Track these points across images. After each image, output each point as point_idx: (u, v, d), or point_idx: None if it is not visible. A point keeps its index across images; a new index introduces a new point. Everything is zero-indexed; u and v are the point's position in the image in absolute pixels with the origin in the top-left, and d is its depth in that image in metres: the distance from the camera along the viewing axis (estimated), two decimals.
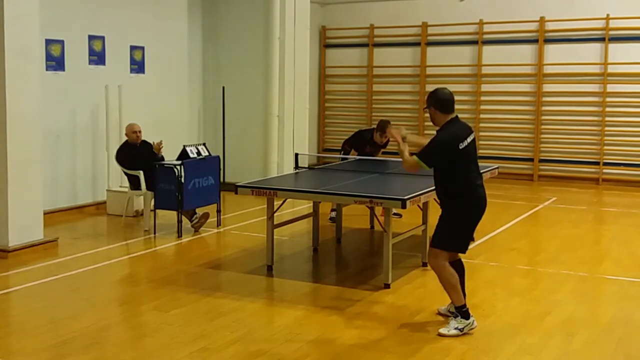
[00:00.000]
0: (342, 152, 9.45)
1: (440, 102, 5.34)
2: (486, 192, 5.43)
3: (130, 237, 8.56)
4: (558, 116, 13.28)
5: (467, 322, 5.27)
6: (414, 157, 5.32)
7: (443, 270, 5.32)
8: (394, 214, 9.04)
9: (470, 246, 7.93)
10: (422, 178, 7.40)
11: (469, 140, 5.27)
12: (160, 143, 8.83)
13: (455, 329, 5.24)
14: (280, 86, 11.66)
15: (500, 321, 5.60)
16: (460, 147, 5.21)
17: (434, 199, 6.13)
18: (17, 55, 7.41)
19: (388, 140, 9.14)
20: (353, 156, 9.05)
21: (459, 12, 13.82)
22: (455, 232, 5.36)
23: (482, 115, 13.79)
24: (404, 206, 6.12)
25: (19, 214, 7.54)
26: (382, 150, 9.35)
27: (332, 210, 9.02)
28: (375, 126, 9.19)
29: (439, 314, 5.63)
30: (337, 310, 5.79)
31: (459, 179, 5.29)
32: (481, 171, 7.96)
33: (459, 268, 5.48)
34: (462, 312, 5.28)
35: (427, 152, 5.32)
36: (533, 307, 5.98)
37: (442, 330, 5.26)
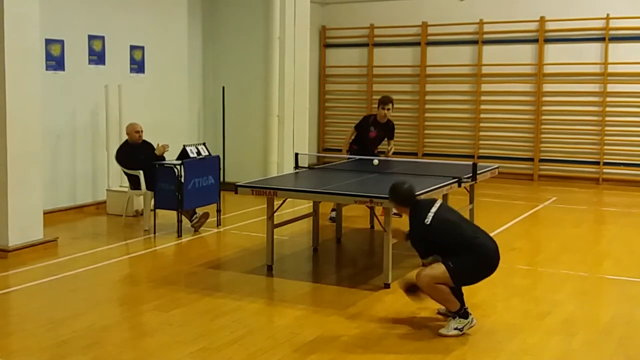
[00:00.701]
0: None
1: (402, 199, 5.54)
2: (496, 244, 5.34)
3: (130, 237, 8.56)
4: (558, 116, 13.28)
5: (466, 321, 5.28)
6: (426, 260, 5.38)
7: (432, 289, 5.27)
8: (394, 213, 9.06)
9: None
10: (422, 178, 7.41)
11: (433, 211, 5.30)
12: (167, 146, 8.83)
13: (455, 329, 5.25)
14: (280, 86, 11.66)
15: (500, 321, 5.60)
16: (427, 223, 5.26)
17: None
18: (17, 55, 7.41)
19: (389, 123, 9.17)
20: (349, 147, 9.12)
21: (459, 12, 13.82)
22: (457, 270, 5.24)
23: (482, 115, 13.79)
24: None
25: (19, 214, 7.54)
26: (387, 137, 9.30)
27: (333, 210, 9.03)
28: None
29: (439, 313, 5.63)
30: (337, 310, 5.78)
31: (452, 245, 5.23)
32: (480, 171, 7.97)
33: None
34: (460, 313, 5.30)
35: (419, 249, 5.40)
36: (533, 307, 5.98)
37: (442, 331, 5.27)
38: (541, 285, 6.78)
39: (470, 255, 5.23)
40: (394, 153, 9.46)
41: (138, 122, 9.20)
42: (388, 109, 9.08)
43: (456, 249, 5.23)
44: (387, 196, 5.68)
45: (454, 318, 5.30)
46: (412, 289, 5.41)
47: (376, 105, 9.29)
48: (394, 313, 5.79)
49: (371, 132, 9.15)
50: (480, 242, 5.28)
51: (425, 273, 5.24)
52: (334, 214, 8.87)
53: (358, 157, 9.02)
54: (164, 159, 8.82)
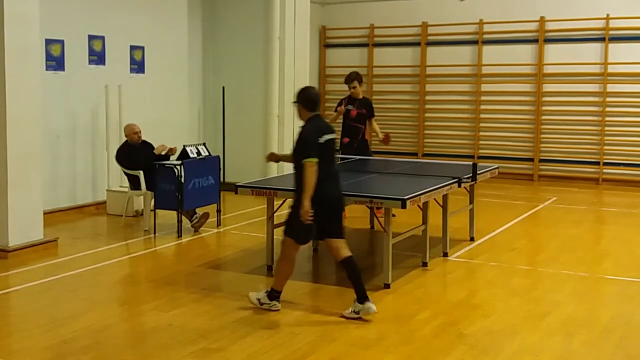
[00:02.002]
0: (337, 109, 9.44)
1: (307, 100, 5.68)
2: (342, 194, 5.75)
3: (130, 237, 8.56)
4: (558, 116, 13.28)
5: (270, 302, 5.72)
6: (303, 162, 5.45)
7: (284, 259, 5.71)
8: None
9: (471, 246, 8.00)
10: (422, 178, 7.41)
11: (326, 137, 5.59)
12: (172, 150, 8.84)
13: (258, 299, 5.74)
14: (280, 86, 11.66)
15: (500, 321, 5.60)
16: (319, 141, 5.52)
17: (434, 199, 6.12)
18: (17, 55, 7.41)
19: (365, 98, 9.39)
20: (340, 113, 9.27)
21: (459, 12, 13.82)
22: (296, 221, 5.54)
23: (482, 115, 13.78)
24: (404, 206, 6.11)
25: (19, 214, 7.54)
26: (368, 115, 9.33)
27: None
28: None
29: (343, 316, 5.60)
30: (337, 310, 5.78)
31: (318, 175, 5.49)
32: (480, 172, 7.98)
33: (352, 266, 5.66)
34: (273, 293, 5.72)
35: (305, 149, 5.50)
36: (533, 307, 5.98)
37: (250, 295, 5.78)
38: (541, 285, 6.78)
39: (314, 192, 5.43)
40: (395, 153, 9.47)
41: (138, 122, 9.21)
42: (354, 87, 9.22)
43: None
44: (387, 196, 5.68)
45: (354, 302, 5.59)
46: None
47: (376, 105, 9.34)
48: (394, 313, 5.79)
49: (352, 111, 9.22)
50: (327, 191, 5.55)
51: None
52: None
53: (357, 157, 9.03)
54: (168, 157, 8.82)
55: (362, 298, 5.57)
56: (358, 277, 5.64)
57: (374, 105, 9.63)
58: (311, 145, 5.48)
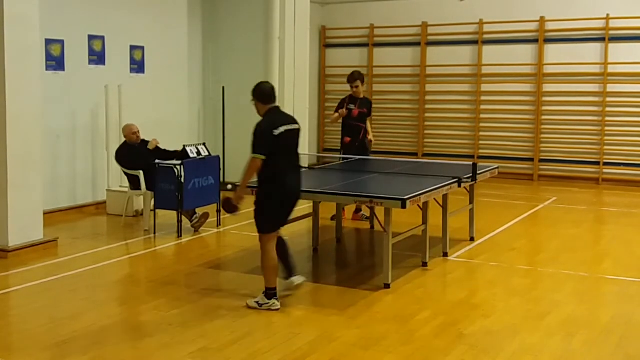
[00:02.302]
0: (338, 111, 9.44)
1: (260, 94, 5.83)
2: (301, 184, 5.96)
3: (130, 237, 8.56)
4: (558, 116, 13.28)
5: (269, 302, 5.77)
6: (250, 156, 5.67)
7: (264, 254, 5.83)
8: (366, 217, 9.16)
9: (471, 246, 8.00)
10: (422, 178, 7.41)
11: (284, 128, 5.70)
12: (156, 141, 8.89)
13: (256, 302, 5.80)
14: (280, 86, 11.65)
15: (500, 321, 5.60)
16: (274, 134, 5.63)
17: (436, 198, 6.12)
18: (17, 55, 7.41)
19: (366, 98, 9.40)
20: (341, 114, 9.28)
21: (459, 12, 13.82)
22: (262, 214, 5.81)
23: (482, 115, 13.78)
24: (404, 206, 6.10)
25: (19, 214, 7.54)
26: (366, 109, 9.31)
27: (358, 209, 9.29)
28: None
29: (248, 306, 5.84)
30: (337, 310, 5.79)
31: (270, 164, 5.65)
32: (480, 172, 7.98)
33: (281, 245, 5.98)
34: (268, 292, 5.78)
35: (255, 144, 5.66)
36: (533, 307, 5.98)
37: (248, 302, 5.85)
38: (541, 285, 6.78)
39: (270, 184, 5.74)
40: (395, 153, 9.48)
41: (138, 122, 9.21)
42: (357, 87, 9.23)
43: (274, 174, 5.68)
44: (387, 196, 5.68)
45: (263, 293, 5.83)
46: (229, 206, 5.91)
47: (376, 105, 9.34)
48: (394, 313, 5.79)
49: (354, 110, 9.22)
50: (286, 182, 5.77)
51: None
52: (361, 213, 9.29)
53: (357, 157, 9.04)
54: (163, 151, 8.80)
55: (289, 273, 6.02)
56: (286, 254, 6.04)
57: (373, 105, 9.65)
58: (260, 141, 5.62)
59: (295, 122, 5.91)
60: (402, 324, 5.50)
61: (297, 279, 6.07)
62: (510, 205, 10.92)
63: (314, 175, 8.13)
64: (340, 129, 9.51)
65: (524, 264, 7.48)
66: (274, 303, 5.78)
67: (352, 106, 9.23)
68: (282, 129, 5.69)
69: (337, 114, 9.33)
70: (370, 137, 9.40)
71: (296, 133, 5.88)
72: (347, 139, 9.26)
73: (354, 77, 9.26)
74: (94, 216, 9.72)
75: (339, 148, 9.68)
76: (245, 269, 7.08)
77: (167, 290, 6.34)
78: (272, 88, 5.88)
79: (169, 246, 8.10)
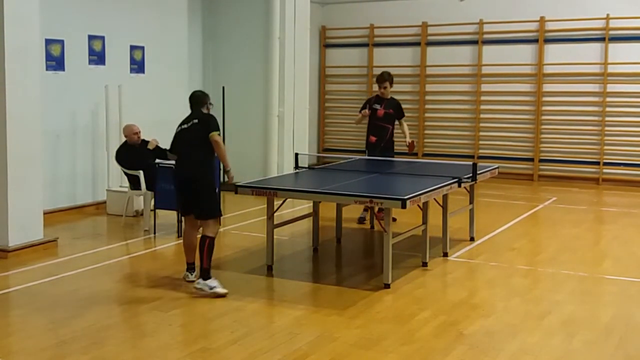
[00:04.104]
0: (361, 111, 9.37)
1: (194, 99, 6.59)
2: (191, 174, 6.31)
3: (130, 237, 8.56)
4: (558, 116, 13.28)
5: (214, 281, 6.11)
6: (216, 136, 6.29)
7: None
8: (361, 218, 9.17)
9: (470, 246, 8.02)
10: (422, 178, 7.41)
11: (183, 126, 6.44)
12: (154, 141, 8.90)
13: (208, 287, 6.09)
14: (280, 86, 11.66)
15: (500, 321, 5.60)
16: (177, 130, 6.49)
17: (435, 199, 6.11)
18: (17, 55, 7.41)
19: (393, 99, 9.25)
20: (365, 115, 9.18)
21: (459, 12, 13.82)
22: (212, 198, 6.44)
23: (482, 115, 13.78)
24: (404, 206, 6.10)
25: (19, 214, 7.54)
26: (397, 117, 9.28)
27: (364, 210, 9.19)
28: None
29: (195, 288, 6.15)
30: (337, 310, 5.79)
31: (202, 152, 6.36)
32: (480, 172, 7.99)
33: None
34: (206, 273, 6.12)
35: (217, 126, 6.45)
36: (533, 307, 5.98)
37: (197, 285, 6.14)
38: (541, 285, 6.78)
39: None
40: (395, 153, 9.45)
41: (138, 122, 9.21)
42: (385, 87, 9.11)
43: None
44: (387, 196, 5.67)
45: (204, 279, 6.14)
46: None
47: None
48: (394, 313, 5.79)
49: (378, 110, 9.13)
50: (175, 170, 6.53)
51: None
52: (364, 214, 9.20)
53: (382, 158, 8.97)
54: (163, 151, 8.80)
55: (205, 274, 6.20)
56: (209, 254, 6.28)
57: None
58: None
59: (193, 119, 6.42)
60: (402, 324, 5.50)
61: (190, 277, 6.54)
62: (510, 205, 10.92)
63: (314, 176, 8.13)
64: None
65: (524, 264, 7.48)
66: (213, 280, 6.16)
67: (377, 106, 9.13)
68: (182, 127, 6.45)
69: (360, 115, 9.26)
70: (408, 139, 9.26)
71: (189, 128, 6.42)
72: (373, 139, 9.19)
73: (384, 78, 9.11)
74: (94, 216, 9.72)
75: (339, 148, 9.64)
76: (245, 269, 7.08)
77: (167, 290, 6.34)
78: (192, 95, 6.57)
79: (169, 246, 8.10)
